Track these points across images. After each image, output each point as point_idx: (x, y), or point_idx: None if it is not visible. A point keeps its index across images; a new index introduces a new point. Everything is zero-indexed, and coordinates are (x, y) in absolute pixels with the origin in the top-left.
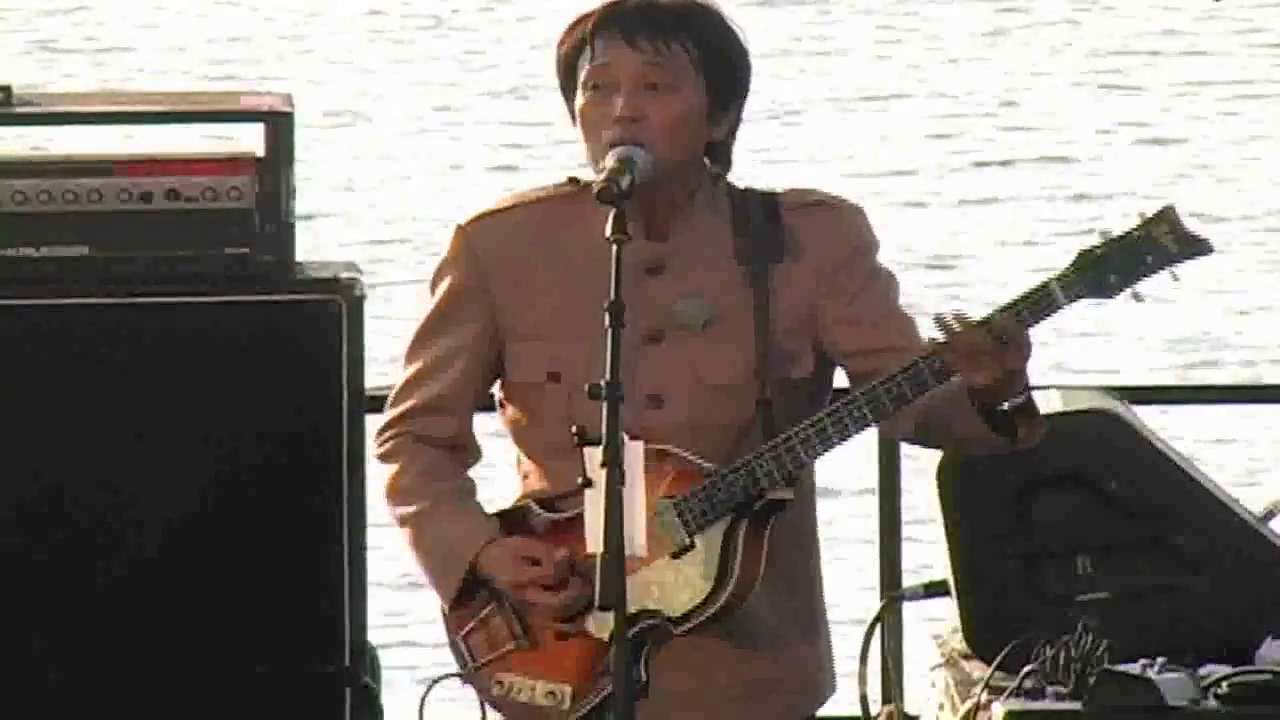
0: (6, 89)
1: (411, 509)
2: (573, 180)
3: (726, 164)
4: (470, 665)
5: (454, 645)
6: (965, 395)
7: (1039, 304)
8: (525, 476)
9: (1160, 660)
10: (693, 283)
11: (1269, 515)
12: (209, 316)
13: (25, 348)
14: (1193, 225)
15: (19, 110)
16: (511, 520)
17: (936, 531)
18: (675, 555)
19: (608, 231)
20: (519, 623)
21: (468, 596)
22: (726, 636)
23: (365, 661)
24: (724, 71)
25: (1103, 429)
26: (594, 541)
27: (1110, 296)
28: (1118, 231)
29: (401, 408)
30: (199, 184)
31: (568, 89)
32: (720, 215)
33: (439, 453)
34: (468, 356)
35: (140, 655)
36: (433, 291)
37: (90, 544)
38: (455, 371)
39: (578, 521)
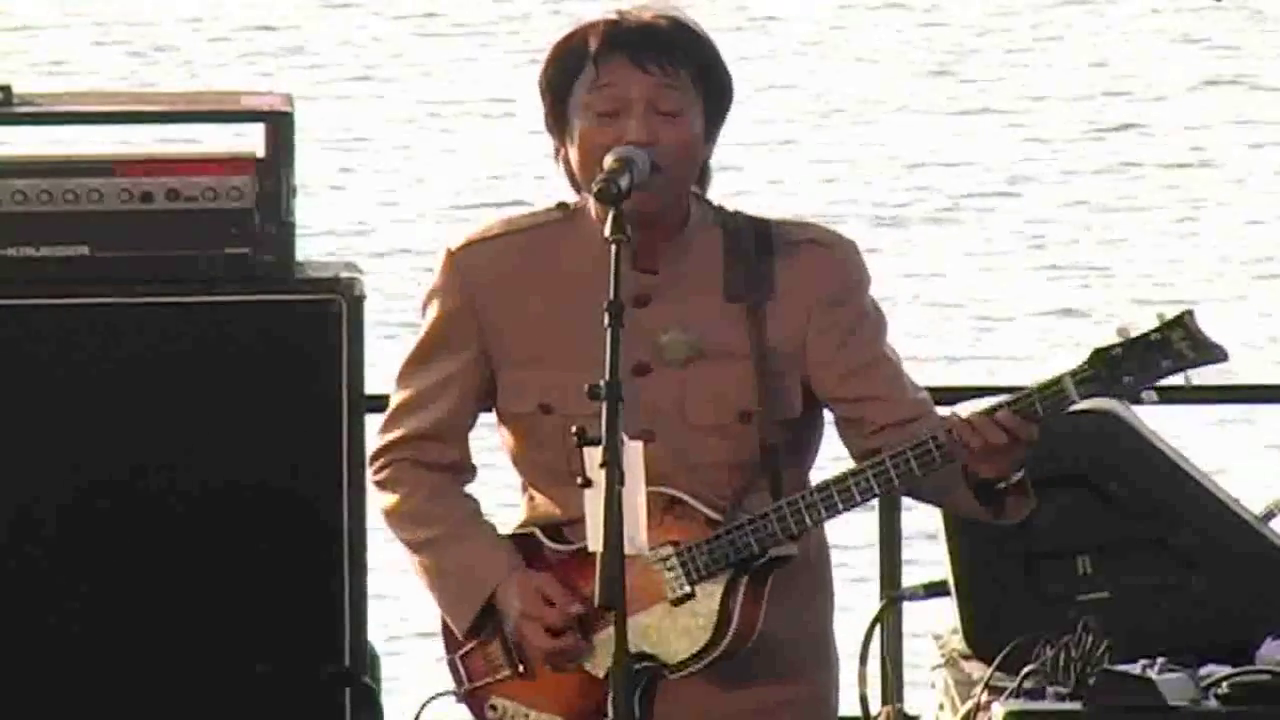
0: (6, 89)
1: (425, 535)
2: (562, 205)
3: (707, 181)
4: (465, 686)
5: (451, 663)
6: (960, 472)
7: (1052, 399)
8: (531, 499)
9: (1160, 660)
10: (680, 316)
11: (1269, 515)
12: (209, 316)
13: (25, 348)
14: (1209, 332)
15: (19, 110)
16: (518, 547)
17: (936, 531)
18: (675, 603)
19: (607, 231)
20: (517, 652)
21: (479, 623)
22: (737, 661)
23: (365, 661)
24: (717, 93)
25: (1103, 429)
26: (594, 541)
27: (1121, 396)
28: (1135, 332)
29: (397, 433)
30: (199, 184)
31: (557, 112)
32: (711, 247)
33: (442, 476)
34: (462, 383)
35: (141, 655)
36: (422, 316)
37: (90, 543)
38: (451, 399)
39: (583, 557)
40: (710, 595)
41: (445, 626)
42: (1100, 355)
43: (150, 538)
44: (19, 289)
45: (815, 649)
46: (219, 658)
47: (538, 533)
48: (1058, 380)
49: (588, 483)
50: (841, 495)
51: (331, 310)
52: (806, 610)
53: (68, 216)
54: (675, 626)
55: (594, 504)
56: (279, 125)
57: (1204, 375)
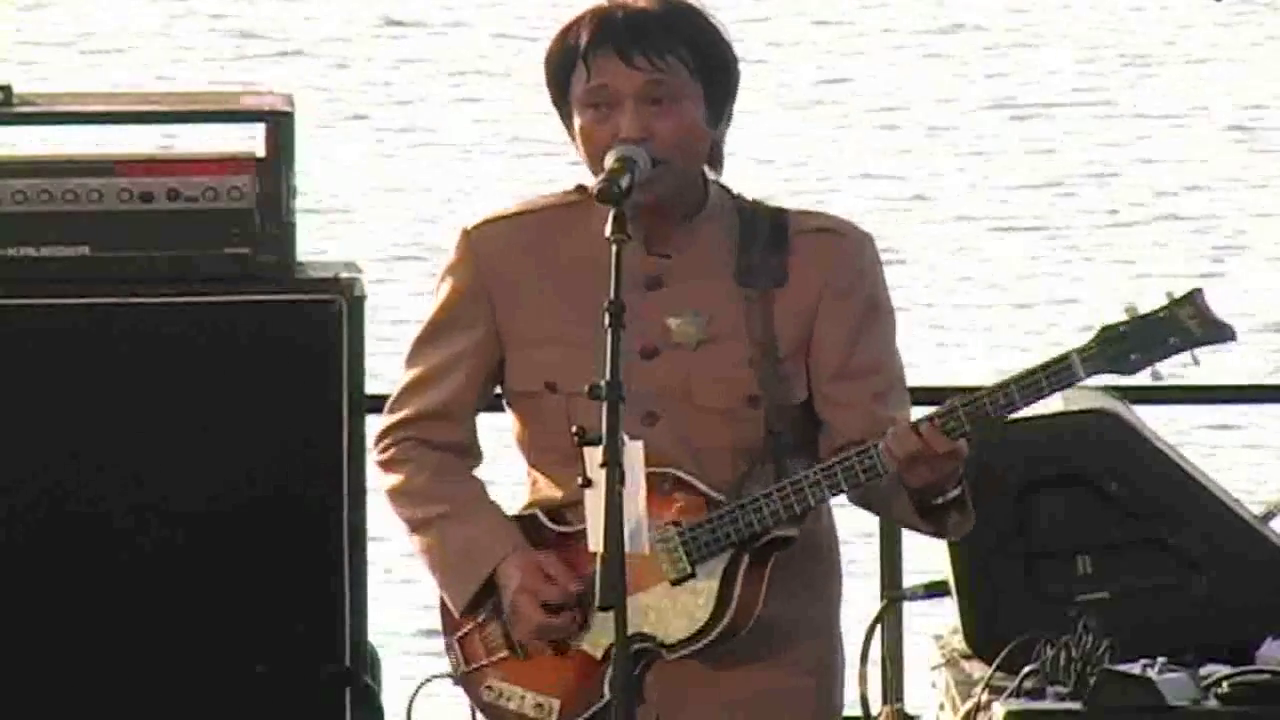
0: (6, 89)
1: (429, 513)
2: (580, 188)
3: (719, 164)
4: (461, 668)
5: (448, 646)
6: (901, 484)
7: (1057, 375)
8: (534, 482)
9: (1160, 660)
10: (691, 300)
11: (1269, 515)
12: (209, 316)
13: (25, 348)
14: (1218, 311)
15: (19, 110)
16: (521, 529)
17: None
18: (675, 583)
19: (607, 231)
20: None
21: (477, 602)
22: (735, 646)
23: (365, 661)
24: (718, 75)
25: (1103, 429)
26: (594, 541)
27: (1129, 373)
28: (1143, 310)
29: (404, 413)
30: (199, 184)
31: (561, 104)
32: (726, 233)
33: (448, 456)
34: (471, 361)
35: (141, 655)
36: (436, 294)
37: (90, 544)
38: (460, 377)
39: (582, 535)
40: (711, 574)
41: (444, 609)
42: (1108, 332)
43: (151, 538)
44: (19, 289)
45: (818, 640)
46: (219, 658)
47: (539, 514)
48: (1064, 358)
49: (588, 483)
50: (845, 473)
51: (331, 310)
52: (814, 599)
53: (68, 216)
54: (675, 606)
55: (594, 504)
56: (279, 125)
57: (1204, 376)
